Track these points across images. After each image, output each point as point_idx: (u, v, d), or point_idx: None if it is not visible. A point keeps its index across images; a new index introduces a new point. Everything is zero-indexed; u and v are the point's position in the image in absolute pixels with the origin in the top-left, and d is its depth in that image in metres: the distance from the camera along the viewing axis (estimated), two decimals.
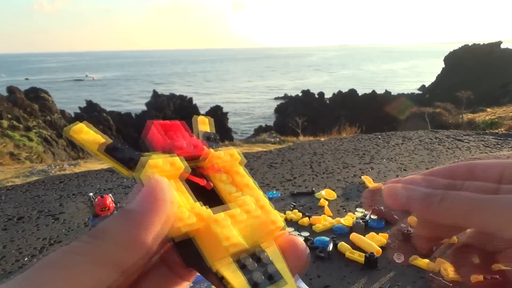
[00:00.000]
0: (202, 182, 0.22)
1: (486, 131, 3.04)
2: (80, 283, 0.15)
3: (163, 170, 0.20)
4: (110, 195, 1.27)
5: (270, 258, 0.21)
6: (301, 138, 8.91)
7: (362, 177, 1.76)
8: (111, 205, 1.25)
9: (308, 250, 0.22)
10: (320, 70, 76.35)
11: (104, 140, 0.21)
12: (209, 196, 0.23)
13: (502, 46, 33.78)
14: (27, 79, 62.78)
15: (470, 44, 35.59)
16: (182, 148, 0.22)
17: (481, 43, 35.41)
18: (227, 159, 0.24)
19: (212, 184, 0.23)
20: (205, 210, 0.20)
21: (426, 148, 2.32)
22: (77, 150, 19.28)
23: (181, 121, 0.25)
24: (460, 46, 35.80)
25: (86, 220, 1.46)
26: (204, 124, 0.27)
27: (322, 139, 3.27)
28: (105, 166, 3.61)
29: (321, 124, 19.94)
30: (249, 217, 0.21)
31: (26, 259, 1.20)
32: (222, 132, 24.47)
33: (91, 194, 1.25)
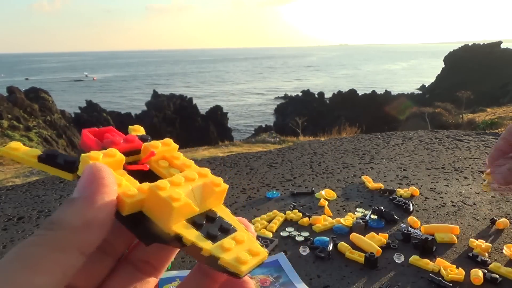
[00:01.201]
0: (141, 167, 0.23)
1: (486, 131, 3.04)
2: (48, 270, 0.15)
3: (103, 161, 0.21)
4: None
5: (222, 217, 0.22)
6: (301, 138, 8.92)
7: (362, 177, 1.76)
8: None
9: None
10: (320, 70, 76.34)
11: (40, 152, 0.23)
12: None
13: (502, 46, 33.78)
14: (27, 79, 62.79)
15: (470, 44, 35.60)
16: (118, 143, 0.23)
17: (481, 43, 35.42)
18: (162, 148, 0.25)
19: (148, 166, 0.24)
20: (148, 184, 0.21)
21: (426, 148, 2.32)
22: (77, 150, 19.28)
23: (109, 127, 0.26)
24: (460, 46, 35.80)
25: None
26: (138, 131, 0.28)
27: (322, 139, 3.28)
28: None
29: (321, 124, 19.95)
30: (192, 182, 0.22)
31: None
32: (222, 132, 24.47)
33: None
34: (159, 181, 0.20)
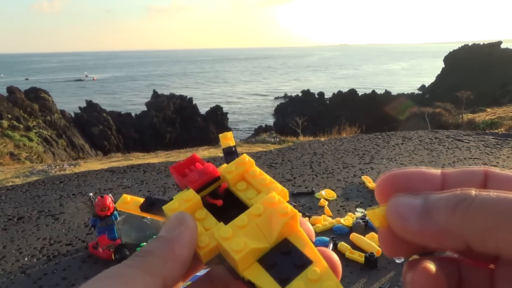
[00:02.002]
0: (217, 202, 0.26)
1: (486, 131, 3.04)
2: (135, 287, 0.19)
3: (180, 208, 0.25)
4: (110, 195, 1.27)
5: (296, 246, 0.22)
6: (301, 138, 8.91)
7: (362, 177, 1.76)
8: (111, 205, 1.25)
9: (339, 263, 0.23)
10: (320, 70, 76.34)
11: (141, 201, 0.27)
12: (237, 206, 0.26)
13: (502, 46, 33.77)
14: (27, 79, 62.79)
15: (470, 44, 35.59)
16: (194, 181, 0.26)
17: (481, 43, 35.41)
18: (237, 170, 0.27)
19: (221, 201, 0.26)
20: (216, 229, 0.23)
21: (426, 148, 2.31)
22: (77, 150, 19.28)
23: (192, 155, 0.30)
24: (460, 46, 35.80)
25: (86, 220, 1.46)
26: (226, 139, 0.31)
27: (322, 139, 3.27)
28: (105, 166, 3.61)
29: (321, 124, 19.94)
30: (256, 220, 0.23)
31: (26, 259, 1.20)
32: (222, 132, 24.38)
33: (91, 194, 1.25)
34: (223, 229, 0.23)
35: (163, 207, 0.25)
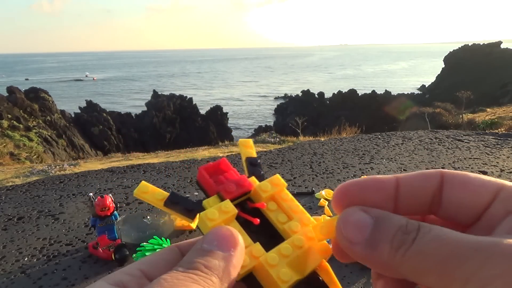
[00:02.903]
0: (254, 220, 0.26)
1: (486, 131, 3.04)
2: None
3: (219, 219, 0.24)
4: (110, 195, 1.27)
5: (324, 281, 0.24)
6: (301, 138, 8.91)
7: (362, 177, 1.76)
8: (111, 205, 1.25)
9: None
10: (320, 70, 76.36)
11: (166, 195, 0.26)
12: (265, 225, 0.26)
13: (502, 46, 33.80)
14: (27, 79, 62.86)
15: (470, 44, 35.61)
16: (231, 192, 0.26)
17: (481, 43, 35.43)
18: (270, 189, 0.27)
19: (258, 220, 0.26)
20: (259, 251, 0.24)
21: (426, 148, 2.32)
22: (77, 150, 19.28)
23: (222, 159, 0.29)
24: (460, 46, 35.83)
25: (86, 220, 1.46)
26: (247, 147, 0.31)
27: (322, 139, 3.27)
28: (105, 166, 3.61)
29: (321, 124, 19.96)
30: (297, 251, 0.24)
31: (26, 259, 1.20)
32: (222, 132, 24.48)
33: (91, 194, 1.25)
34: (270, 256, 0.23)
35: (201, 214, 0.24)
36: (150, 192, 0.26)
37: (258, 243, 0.24)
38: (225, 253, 0.22)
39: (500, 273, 0.17)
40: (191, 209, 0.26)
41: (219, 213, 0.25)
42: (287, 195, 0.27)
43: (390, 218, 0.21)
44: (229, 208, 0.25)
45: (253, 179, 0.28)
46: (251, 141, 0.31)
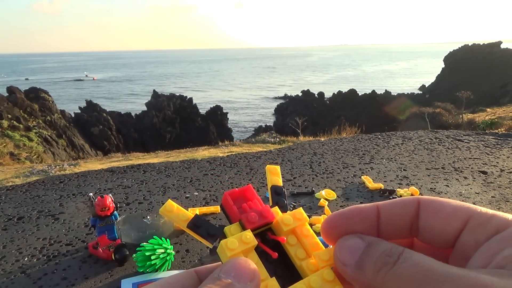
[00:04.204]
0: (272, 254, 0.26)
1: (486, 131, 3.04)
2: None
3: (238, 249, 0.25)
4: (110, 195, 1.27)
5: None
6: (301, 138, 8.91)
7: (362, 177, 1.76)
8: (111, 205, 1.25)
9: None
10: (320, 70, 76.36)
11: (190, 216, 0.27)
12: (282, 258, 0.27)
13: (502, 46, 33.80)
14: (27, 79, 62.87)
15: (470, 44, 35.62)
16: (253, 222, 0.27)
17: (481, 43, 35.43)
18: (292, 223, 0.27)
19: (277, 254, 0.26)
20: (274, 286, 0.24)
21: (426, 148, 2.32)
22: (77, 150, 19.28)
23: (247, 186, 0.30)
24: (460, 46, 35.84)
25: (86, 220, 1.46)
26: (274, 174, 0.31)
27: (322, 139, 3.27)
28: (105, 166, 3.61)
29: (321, 124, 19.96)
30: None
31: (26, 259, 1.20)
32: (222, 132, 24.47)
33: (91, 194, 1.25)
34: None
35: (221, 242, 0.25)
36: (175, 212, 0.27)
37: (274, 278, 0.24)
38: (242, 286, 0.22)
39: None
40: (213, 234, 0.27)
41: (239, 243, 0.25)
42: (308, 231, 0.27)
43: (380, 243, 0.23)
44: (250, 239, 0.25)
45: (276, 209, 0.28)
46: (278, 168, 0.32)
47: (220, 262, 0.25)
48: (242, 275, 0.22)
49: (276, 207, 0.29)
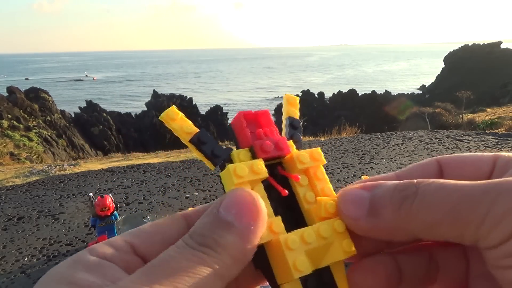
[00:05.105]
0: (282, 191, 0.23)
1: (486, 131, 3.04)
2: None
3: (247, 178, 0.22)
4: (110, 195, 1.27)
5: (335, 278, 0.22)
6: (301, 138, 8.88)
7: (362, 177, 1.76)
8: (111, 205, 1.25)
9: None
10: (320, 70, 76.34)
11: (195, 130, 0.23)
12: (290, 197, 0.24)
13: (502, 46, 33.78)
14: (27, 79, 62.82)
15: (470, 44, 35.60)
16: (267, 151, 0.23)
17: (481, 43, 35.41)
18: (308, 163, 0.24)
19: (287, 191, 0.23)
20: (279, 226, 0.21)
21: (426, 148, 2.32)
22: (77, 150, 19.28)
23: (265, 110, 0.26)
24: (460, 46, 35.81)
25: (86, 220, 1.46)
26: (292, 105, 0.28)
27: (322, 139, 3.27)
28: (105, 166, 3.60)
29: (321, 124, 19.94)
30: (320, 242, 0.22)
31: (26, 259, 1.20)
32: (222, 132, 24.48)
33: (91, 194, 1.25)
34: (290, 237, 0.21)
35: (229, 166, 0.22)
36: (179, 121, 0.23)
37: (279, 217, 0.22)
38: (243, 227, 0.19)
39: (510, 207, 0.17)
40: (218, 155, 0.23)
41: (249, 171, 0.22)
42: (322, 174, 0.25)
43: (384, 184, 0.21)
44: (261, 169, 0.22)
45: (290, 143, 0.25)
46: (297, 99, 0.28)
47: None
48: (245, 212, 0.20)
49: (291, 141, 0.25)
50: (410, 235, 0.20)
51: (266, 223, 0.21)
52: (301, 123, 0.27)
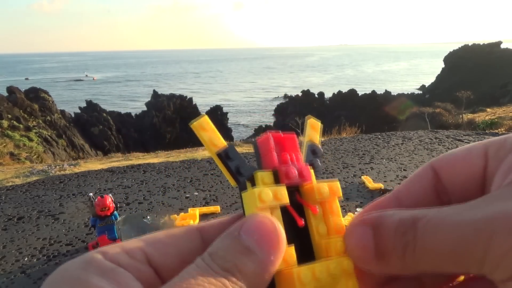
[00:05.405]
0: (298, 221, 0.23)
1: (486, 131, 3.05)
2: None
3: (269, 204, 0.22)
4: (110, 195, 1.27)
5: None
6: (301, 138, 8.89)
7: (362, 177, 1.76)
8: (111, 205, 1.25)
9: None
10: (320, 70, 76.33)
11: (223, 143, 0.23)
12: (302, 227, 0.24)
13: (502, 46, 33.78)
14: (27, 79, 62.83)
15: (470, 44, 35.60)
16: (291, 178, 0.23)
17: (481, 43, 35.41)
18: (327, 195, 0.24)
19: (303, 221, 0.23)
20: (291, 256, 0.21)
21: (426, 148, 2.32)
22: (77, 150, 19.28)
23: (292, 135, 0.26)
24: (460, 46, 35.81)
25: (86, 220, 1.46)
26: (315, 130, 0.28)
27: (322, 139, 3.27)
28: (105, 166, 3.61)
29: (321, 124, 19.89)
30: (329, 280, 0.21)
31: (26, 259, 1.20)
32: (222, 132, 24.38)
33: (91, 194, 1.25)
34: (303, 272, 0.21)
35: (255, 190, 0.22)
36: (209, 132, 0.23)
37: (292, 247, 0.22)
38: (264, 256, 0.19)
39: (509, 247, 0.16)
40: (243, 173, 0.23)
41: (273, 197, 0.22)
42: (337, 209, 0.25)
43: (385, 219, 0.21)
44: (283, 196, 0.22)
45: (310, 171, 0.25)
46: (320, 125, 0.28)
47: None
48: (266, 241, 0.19)
49: (311, 167, 0.25)
50: (421, 272, 0.20)
51: None
52: (321, 150, 0.27)
